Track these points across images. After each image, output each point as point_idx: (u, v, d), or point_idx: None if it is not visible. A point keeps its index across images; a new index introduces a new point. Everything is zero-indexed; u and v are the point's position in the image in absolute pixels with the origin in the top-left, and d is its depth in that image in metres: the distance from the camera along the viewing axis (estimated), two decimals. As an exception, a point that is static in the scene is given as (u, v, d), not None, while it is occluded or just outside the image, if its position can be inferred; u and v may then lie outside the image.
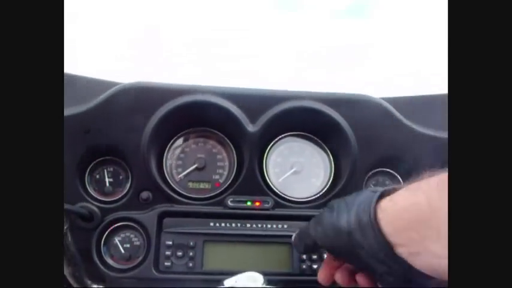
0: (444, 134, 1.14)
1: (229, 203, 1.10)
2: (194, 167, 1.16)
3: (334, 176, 1.17)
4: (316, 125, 1.15)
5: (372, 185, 1.18)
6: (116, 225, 1.10)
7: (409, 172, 1.15)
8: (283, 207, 1.13)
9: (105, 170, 1.14)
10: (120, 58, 1.68)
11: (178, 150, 1.17)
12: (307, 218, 1.12)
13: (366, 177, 1.17)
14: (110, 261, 1.09)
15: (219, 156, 1.17)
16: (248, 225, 1.11)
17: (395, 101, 1.16)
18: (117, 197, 1.12)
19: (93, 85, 1.14)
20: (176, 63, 1.71)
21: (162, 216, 1.09)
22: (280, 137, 1.18)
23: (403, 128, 1.13)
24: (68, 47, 0.76)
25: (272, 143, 1.18)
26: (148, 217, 1.09)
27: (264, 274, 1.05)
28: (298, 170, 1.17)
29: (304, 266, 1.09)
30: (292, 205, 1.13)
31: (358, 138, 1.11)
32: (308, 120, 1.14)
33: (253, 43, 1.76)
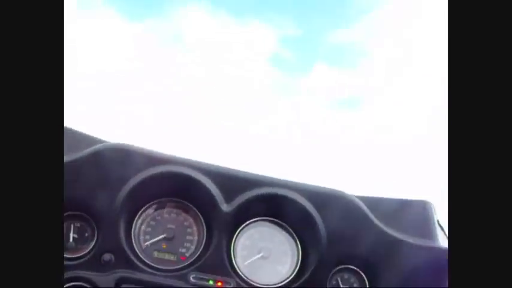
0: (416, 241, 1.15)
1: (191, 279, 1.08)
2: (162, 236, 1.14)
3: (300, 267, 1.16)
4: (290, 214, 1.16)
5: (337, 280, 1.17)
6: (69, 284, 1.06)
7: (377, 273, 1.15)
8: (245, 291, 1.11)
9: (72, 225, 1.11)
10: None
11: (149, 217, 1.16)
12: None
13: (332, 273, 1.16)
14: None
15: (189, 230, 1.16)
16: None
17: (370, 201, 1.18)
18: (78, 255, 1.09)
19: (76, 138, 1.15)
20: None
21: (120, 281, 1.06)
22: (252, 220, 1.19)
23: (375, 229, 1.14)
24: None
25: (243, 225, 1.18)
26: (106, 281, 1.05)
27: None
28: (265, 255, 1.17)
29: None
30: (255, 291, 1.12)
31: (329, 232, 1.12)
32: (282, 207, 1.16)
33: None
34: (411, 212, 1.20)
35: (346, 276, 1.18)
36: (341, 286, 1.17)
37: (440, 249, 1.12)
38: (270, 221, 1.20)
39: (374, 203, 1.19)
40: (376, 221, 1.15)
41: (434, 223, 1.17)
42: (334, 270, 1.16)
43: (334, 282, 1.17)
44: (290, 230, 1.19)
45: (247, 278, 1.13)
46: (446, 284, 0.99)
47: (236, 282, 1.10)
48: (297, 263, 1.17)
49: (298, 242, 1.19)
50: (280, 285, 1.14)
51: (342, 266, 1.17)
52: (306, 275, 1.12)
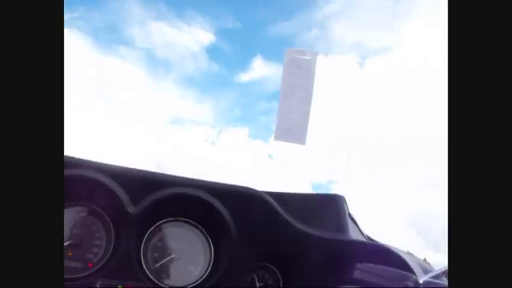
0: (328, 235, 1.15)
1: (98, 286, 1.04)
2: (68, 242, 1.09)
3: (213, 266, 1.14)
4: (200, 213, 1.14)
5: (253, 278, 1.16)
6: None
7: (290, 269, 1.15)
8: (156, 295, 1.08)
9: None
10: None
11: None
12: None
13: (246, 271, 1.15)
14: None
15: (97, 234, 1.12)
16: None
17: (281, 197, 1.18)
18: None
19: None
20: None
21: None
22: (162, 221, 1.16)
23: (286, 225, 1.14)
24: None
25: (154, 227, 1.14)
26: None
27: None
28: (177, 256, 1.14)
29: None
30: (167, 293, 1.09)
31: (240, 230, 1.11)
32: (192, 207, 1.13)
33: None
34: (323, 207, 1.20)
35: (260, 273, 1.17)
36: (256, 284, 1.16)
37: (352, 242, 1.13)
38: (181, 221, 1.17)
39: (285, 199, 1.18)
40: (287, 217, 1.14)
41: (345, 216, 1.18)
42: (248, 268, 1.15)
43: (249, 280, 1.16)
44: (202, 229, 1.17)
45: (159, 281, 1.10)
46: (358, 276, 0.99)
47: (147, 285, 1.07)
48: (209, 263, 1.15)
49: (210, 242, 1.16)
50: (193, 285, 1.12)
51: (256, 264, 1.16)
52: (219, 274, 1.10)
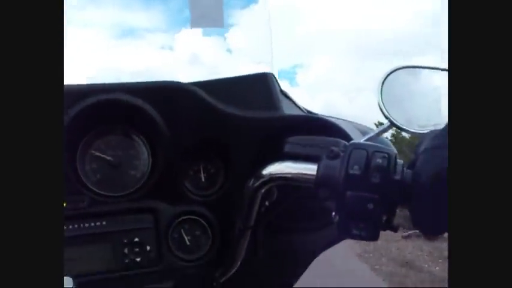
0: (262, 114, 1.13)
1: None
2: None
3: (152, 166, 1.13)
4: (129, 117, 1.11)
5: (200, 169, 1.16)
6: None
7: (230, 155, 1.14)
8: (101, 204, 1.08)
9: None
10: None
11: None
12: (127, 212, 1.09)
13: (188, 164, 1.15)
14: None
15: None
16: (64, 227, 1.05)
17: (209, 85, 1.14)
18: None
19: None
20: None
21: None
22: (94, 130, 1.12)
23: (218, 112, 1.11)
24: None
25: (85, 138, 1.11)
26: None
27: (86, 275, 1.02)
28: (116, 164, 1.12)
29: (127, 261, 1.07)
30: (112, 200, 1.09)
31: (170, 125, 1.08)
32: (119, 112, 1.10)
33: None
34: (252, 87, 1.17)
35: (203, 164, 1.17)
36: (202, 176, 1.16)
37: (284, 117, 1.12)
38: (112, 128, 1.14)
39: (212, 86, 1.15)
40: (217, 104, 1.11)
41: (276, 93, 1.16)
42: (189, 162, 1.15)
43: (191, 173, 1.16)
44: (135, 132, 1.14)
45: (101, 191, 1.09)
46: (288, 149, 0.98)
47: (89, 197, 1.06)
48: (148, 163, 1.13)
49: (146, 142, 1.14)
50: (137, 187, 1.12)
51: (197, 156, 1.15)
52: (159, 172, 1.10)
